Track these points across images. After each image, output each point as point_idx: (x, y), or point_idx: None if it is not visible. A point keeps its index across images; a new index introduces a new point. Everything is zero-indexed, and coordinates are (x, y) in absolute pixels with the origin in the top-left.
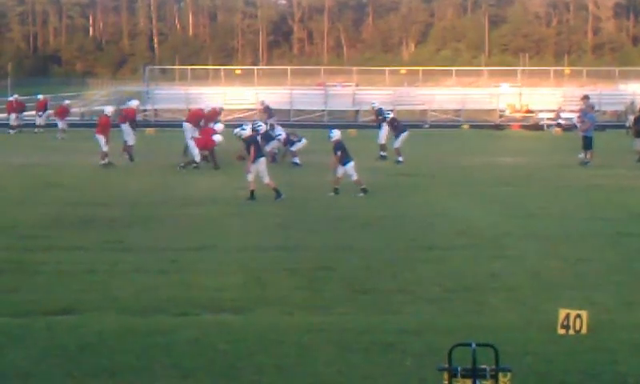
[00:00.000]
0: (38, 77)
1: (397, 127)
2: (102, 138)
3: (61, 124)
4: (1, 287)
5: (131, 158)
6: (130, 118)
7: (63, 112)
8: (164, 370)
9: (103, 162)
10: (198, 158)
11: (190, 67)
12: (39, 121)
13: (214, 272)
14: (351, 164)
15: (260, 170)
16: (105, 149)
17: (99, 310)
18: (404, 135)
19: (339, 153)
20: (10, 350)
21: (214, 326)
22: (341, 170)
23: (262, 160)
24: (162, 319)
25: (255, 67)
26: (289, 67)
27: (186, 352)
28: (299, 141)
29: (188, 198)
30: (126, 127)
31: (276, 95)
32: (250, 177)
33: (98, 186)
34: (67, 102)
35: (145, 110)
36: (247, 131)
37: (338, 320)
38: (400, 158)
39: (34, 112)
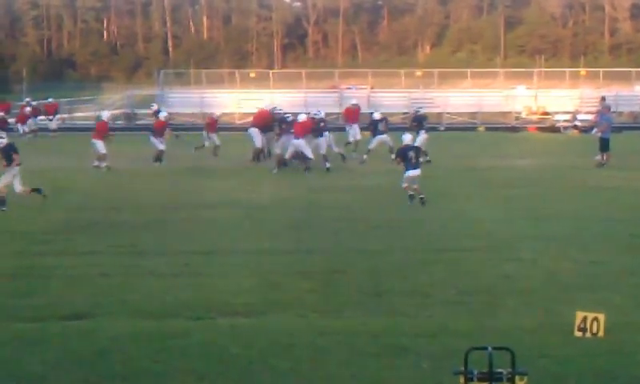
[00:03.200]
0: (53, 81)
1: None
2: (98, 143)
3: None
4: (15, 292)
5: (159, 160)
6: (158, 129)
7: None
8: (178, 374)
9: (98, 164)
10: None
11: (204, 71)
12: (52, 125)
13: (227, 275)
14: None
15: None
16: (102, 151)
17: (113, 314)
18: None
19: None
20: (25, 356)
21: (227, 329)
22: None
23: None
24: (175, 323)
25: (270, 70)
26: (303, 70)
27: (199, 356)
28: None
29: (200, 201)
30: (154, 140)
31: (291, 98)
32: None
33: (110, 190)
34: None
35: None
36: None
37: (351, 323)
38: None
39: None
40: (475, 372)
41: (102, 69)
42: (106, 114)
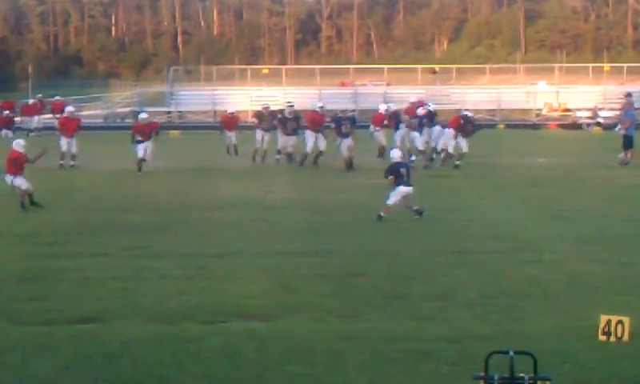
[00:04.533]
0: (60, 78)
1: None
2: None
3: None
4: (24, 295)
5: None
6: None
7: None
8: (191, 380)
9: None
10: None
11: (215, 67)
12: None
13: (241, 278)
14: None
15: None
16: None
17: (124, 318)
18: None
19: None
20: (34, 360)
21: (242, 333)
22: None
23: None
24: (188, 327)
25: (283, 66)
26: (317, 66)
27: (213, 361)
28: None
29: (213, 202)
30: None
31: (304, 95)
32: None
33: (121, 191)
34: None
35: (169, 112)
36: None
37: (370, 327)
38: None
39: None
40: (496, 377)
41: (110, 65)
42: (143, 115)
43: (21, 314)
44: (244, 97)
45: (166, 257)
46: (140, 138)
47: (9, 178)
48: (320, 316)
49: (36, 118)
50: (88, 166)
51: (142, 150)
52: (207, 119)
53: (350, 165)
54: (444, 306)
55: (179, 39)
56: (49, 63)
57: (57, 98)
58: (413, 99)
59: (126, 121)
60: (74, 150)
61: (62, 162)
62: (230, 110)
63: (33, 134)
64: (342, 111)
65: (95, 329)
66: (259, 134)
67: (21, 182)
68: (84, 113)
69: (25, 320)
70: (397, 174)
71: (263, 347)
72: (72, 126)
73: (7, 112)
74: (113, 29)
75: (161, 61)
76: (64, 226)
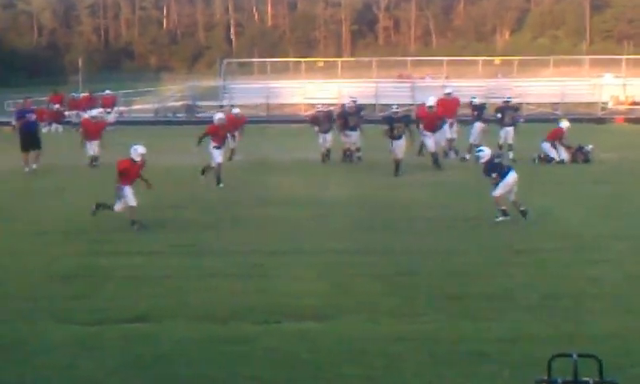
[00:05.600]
0: (110, 72)
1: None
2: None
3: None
4: (72, 294)
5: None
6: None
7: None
8: (243, 381)
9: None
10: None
11: (269, 60)
12: (109, 118)
13: (294, 277)
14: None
15: None
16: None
17: (175, 317)
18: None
19: (494, 175)
20: (83, 361)
21: (295, 334)
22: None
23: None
24: (240, 327)
25: (338, 59)
26: (374, 58)
27: (266, 362)
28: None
29: (264, 198)
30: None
31: (360, 88)
32: None
33: (171, 187)
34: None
35: (221, 106)
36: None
37: (427, 328)
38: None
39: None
40: (559, 381)
41: (162, 59)
42: (236, 111)
43: (69, 313)
44: (298, 90)
45: (219, 255)
46: (216, 144)
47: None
48: (375, 316)
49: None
50: None
51: (219, 157)
52: (260, 113)
53: (398, 166)
54: (503, 306)
55: (232, 31)
56: (99, 56)
57: (107, 91)
58: (449, 90)
59: (177, 115)
60: (97, 152)
61: (93, 163)
62: (234, 111)
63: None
64: (394, 112)
65: (145, 328)
66: (320, 137)
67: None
68: (134, 107)
69: (73, 319)
70: (497, 169)
71: (317, 348)
72: (95, 130)
73: (57, 106)
74: (164, 21)
75: (213, 54)
76: (112, 223)
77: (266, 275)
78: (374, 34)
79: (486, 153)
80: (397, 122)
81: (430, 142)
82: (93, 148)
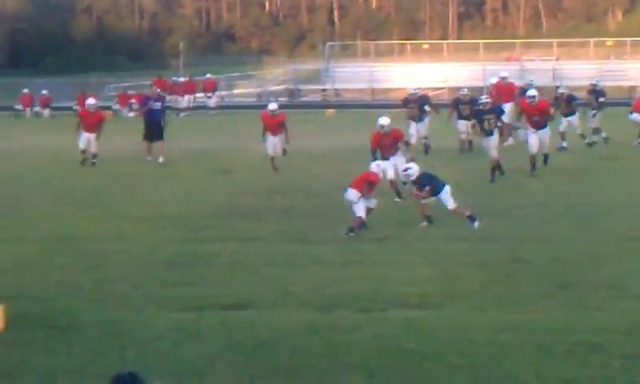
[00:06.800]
0: (211, 55)
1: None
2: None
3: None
4: (174, 280)
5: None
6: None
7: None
8: (346, 370)
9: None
10: None
11: (373, 42)
12: (211, 103)
13: (398, 265)
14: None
15: None
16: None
17: (277, 305)
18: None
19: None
20: (185, 347)
21: (400, 323)
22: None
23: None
24: (344, 315)
25: (444, 41)
26: (481, 41)
27: (370, 351)
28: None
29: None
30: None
31: (467, 71)
32: None
33: (273, 173)
34: None
35: (324, 90)
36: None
37: (535, 318)
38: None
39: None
40: None
41: (263, 42)
42: (273, 106)
43: (171, 300)
44: (403, 73)
45: (321, 242)
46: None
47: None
48: (482, 305)
49: (186, 97)
50: (241, 146)
51: (271, 147)
52: (364, 97)
53: (497, 167)
54: (614, 295)
55: (335, 14)
56: (200, 40)
57: (208, 75)
58: (504, 74)
59: (280, 100)
60: (93, 149)
61: (84, 157)
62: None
63: (183, 114)
64: (483, 104)
65: (247, 315)
66: (412, 126)
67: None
68: (236, 91)
69: (175, 306)
70: (432, 182)
71: (422, 338)
72: (92, 121)
73: (159, 90)
74: (266, 4)
75: (315, 36)
76: (215, 209)
77: (370, 262)
78: (482, 15)
79: (415, 170)
80: (486, 114)
81: (533, 140)
82: (85, 141)
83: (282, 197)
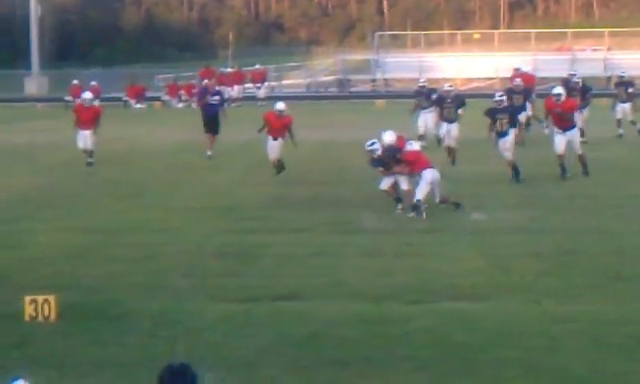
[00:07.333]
0: (260, 46)
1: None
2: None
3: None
4: (224, 271)
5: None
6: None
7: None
8: (397, 361)
9: None
10: None
11: (423, 32)
12: (260, 93)
13: (450, 256)
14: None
15: None
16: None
17: (327, 296)
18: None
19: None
20: (235, 338)
21: (451, 314)
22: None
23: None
24: (394, 307)
25: (495, 31)
26: (532, 30)
27: (421, 342)
28: None
29: None
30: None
31: (517, 61)
32: None
33: (323, 164)
34: None
35: (374, 80)
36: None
37: (589, 310)
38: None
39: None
40: None
41: (312, 32)
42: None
43: (220, 291)
44: (454, 64)
45: (371, 233)
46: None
47: None
48: (534, 297)
49: (236, 87)
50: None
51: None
52: (415, 87)
53: (516, 171)
54: None
55: (385, 3)
56: (249, 30)
57: (257, 66)
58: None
59: (330, 90)
60: (89, 145)
61: (88, 159)
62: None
63: (232, 105)
64: (497, 101)
65: (297, 306)
66: (420, 116)
67: None
68: (285, 82)
69: (224, 297)
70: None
71: (473, 329)
72: (87, 116)
73: (206, 81)
74: None
75: (365, 26)
76: (266, 200)
77: (421, 253)
78: (533, 5)
79: (378, 147)
80: (501, 113)
81: (558, 140)
82: (84, 140)
83: (332, 187)
